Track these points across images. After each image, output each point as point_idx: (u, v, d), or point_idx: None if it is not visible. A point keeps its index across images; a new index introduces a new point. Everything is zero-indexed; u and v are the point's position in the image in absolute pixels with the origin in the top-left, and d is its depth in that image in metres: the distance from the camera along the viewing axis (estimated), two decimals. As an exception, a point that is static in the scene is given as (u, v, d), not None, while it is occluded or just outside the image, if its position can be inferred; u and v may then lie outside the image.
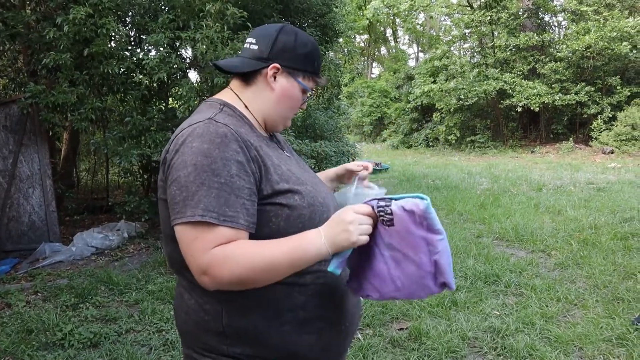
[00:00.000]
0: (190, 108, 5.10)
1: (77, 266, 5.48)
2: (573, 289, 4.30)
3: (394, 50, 38.43)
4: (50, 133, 5.95)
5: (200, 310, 1.26)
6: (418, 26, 32.85)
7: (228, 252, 1.11)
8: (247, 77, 1.38)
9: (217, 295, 1.23)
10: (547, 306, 3.92)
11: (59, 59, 4.80)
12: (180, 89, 5.38)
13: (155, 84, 5.76)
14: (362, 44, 36.37)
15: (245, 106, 1.37)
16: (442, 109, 21.00)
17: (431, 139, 22.43)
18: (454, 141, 20.60)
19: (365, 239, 1.16)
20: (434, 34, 31.34)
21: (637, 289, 4.15)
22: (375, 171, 13.63)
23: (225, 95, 1.39)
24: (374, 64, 39.45)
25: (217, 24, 5.22)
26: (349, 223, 1.14)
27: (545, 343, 3.30)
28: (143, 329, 3.67)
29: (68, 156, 8.55)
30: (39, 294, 4.57)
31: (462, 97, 19.09)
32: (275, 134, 1.54)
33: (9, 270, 5.39)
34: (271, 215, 1.21)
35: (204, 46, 4.94)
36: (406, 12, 23.73)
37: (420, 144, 22.81)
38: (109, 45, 5.06)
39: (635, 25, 16.18)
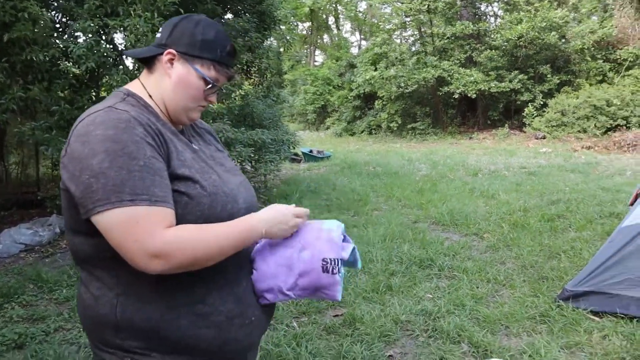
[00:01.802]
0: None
1: (3, 264, 5.23)
2: (502, 270, 4.48)
3: (336, 38, 38.52)
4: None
5: (95, 305, 1.24)
6: (360, 14, 33.03)
7: (179, 235, 1.14)
8: (149, 64, 1.36)
9: (112, 288, 1.22)
10: (477, 287, 4.07)
11: (-25, 46, 4.53)
12: (111, 78, 5.18)
13: (85, 73, 5.52)
14: (305, 32, 36.23)
15: (150, 95, 1.33)
16: (383, 96, 21.28)
17: (374, 127, 22.69)
18: (395, 128, 20.92)
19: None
20: (376, 21, 31.58)
21: (561, 268, 4.37)
22: (316, 159, 13.69)
23: (132, 85, 1.36)
24: (317, 52, 39.42)
25: (146, 12, 5.05)
26: (290, 226, 1.34)
27: (474, 323, 3.42)
28: (73, 327, 3.55)
29: (-7, 150, 8.13)
30: (-40, 294, 4.34)
31: (402, 84, 19.40)
32: (196, 125, 1.52)
33: None
34: None
35: (133, 35, 4.77)
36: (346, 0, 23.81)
37: (363, 131, 23.04)
38: (32, 31, 4.78)
39: (563, 16, 16.93)
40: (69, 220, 1.24)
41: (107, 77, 5.49)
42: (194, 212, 1.21)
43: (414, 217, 6.57)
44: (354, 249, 1.39)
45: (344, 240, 1.38)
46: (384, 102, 21.69)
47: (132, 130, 1.15)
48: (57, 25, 5.70)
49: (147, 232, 1.10)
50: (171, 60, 1.31)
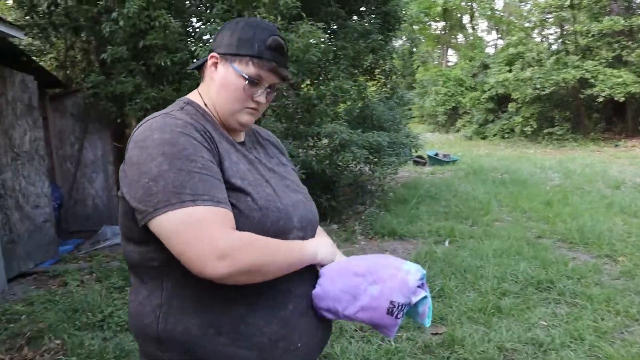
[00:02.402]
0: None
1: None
2: (637, 301, 3.93)
3: (471, 38, 37.09)
4: (119, 120, 6.17)
5: (139, 314, 1.22)
6: (496, 12, 31.52)
7: (245, 236, 1.10)
8: (202, 73, 1.35)
9: (157, 297, 1.19)
10: (602, 319, 3.60)
11: (116, 52, 4.96)
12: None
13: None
14: (438, 31, 35.36)
15: (205, 104, 1.31)
16: (518, 99, 20.08)
17: (507, 130, 21.52)
18: (530, 133, 19.66)
19: None
20: (514, 20, 29.92)
21: None
22: (442, 163, 13.27)
23: (192, 95, 1.35)
24: (450, 52, 38.27)
25: (270, 16, 5.19)
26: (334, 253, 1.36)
27: (592, 361, 3.04)
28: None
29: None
30: (94, 275, 4.78)
31: (538, 86, 18.12)
32: (260, 136, 1.47)
33: (72, 250, 5.70)
34: None
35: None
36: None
37: (495, 135, 21.95)
38: (163, 37, 5.12)
39: None
40: (123, 227, 1.24)
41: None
42: (243, 226, 1.15)
43: (538, 232, 6.07)
44: (425, 298, 1.25)
45: (421, 287, 1.25)
46: (518, 105, 20.47)
47: (189, 134, 1.13)
48: (189, 30, 6.07)
49: (213, 231, 1.06)
50: (215, 64, 1.29)
